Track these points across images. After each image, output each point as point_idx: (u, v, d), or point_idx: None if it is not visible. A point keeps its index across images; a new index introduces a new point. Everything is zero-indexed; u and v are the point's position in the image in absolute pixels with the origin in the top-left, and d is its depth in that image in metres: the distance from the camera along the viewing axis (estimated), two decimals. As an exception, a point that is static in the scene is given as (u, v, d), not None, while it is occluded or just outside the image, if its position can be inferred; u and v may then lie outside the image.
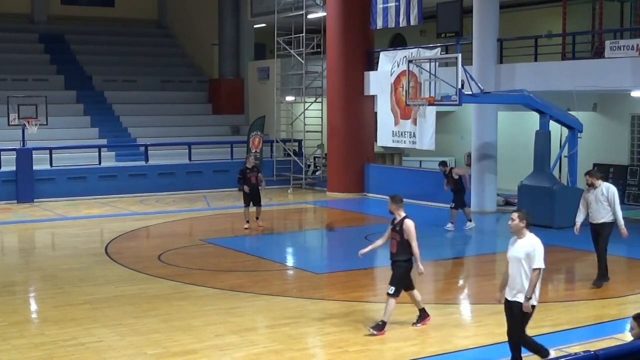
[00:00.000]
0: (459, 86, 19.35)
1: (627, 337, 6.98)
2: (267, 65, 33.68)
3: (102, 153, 28.22)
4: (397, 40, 34.20)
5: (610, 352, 5.95)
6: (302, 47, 29.50)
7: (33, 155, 26.55)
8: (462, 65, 19.44)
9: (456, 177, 20.04)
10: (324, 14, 28.36)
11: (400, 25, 24.98)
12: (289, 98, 31.68)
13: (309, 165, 31.41)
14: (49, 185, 26.44)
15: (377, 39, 28.64)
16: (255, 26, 35.20)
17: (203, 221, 22.37)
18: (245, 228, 20.20)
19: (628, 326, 7.00)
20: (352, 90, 27.17)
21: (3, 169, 26.40)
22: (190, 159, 29.30)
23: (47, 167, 27.09)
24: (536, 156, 20.87)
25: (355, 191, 27.19)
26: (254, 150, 29.33)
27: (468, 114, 24.91)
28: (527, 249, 9.11)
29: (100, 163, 27.88)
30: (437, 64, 20.97)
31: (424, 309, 11.43)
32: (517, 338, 9.28)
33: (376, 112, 26.89)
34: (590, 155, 24.12)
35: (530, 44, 23.16)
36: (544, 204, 20.05)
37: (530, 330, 11.09)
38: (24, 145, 26.62)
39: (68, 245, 18.94)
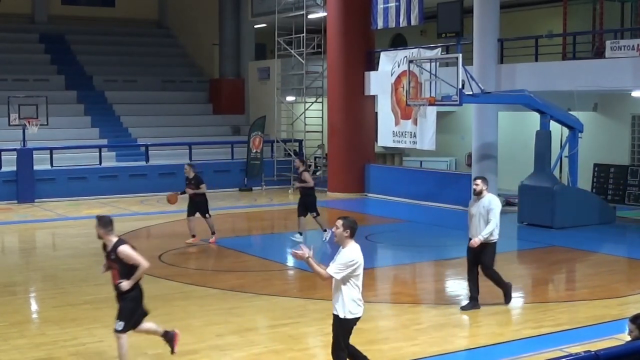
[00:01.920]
0: (460, 86, 19.35)
1: (628, 337, 6.97)
2: (267, 66, 33.68)
3: (102, 153, 28.22)
4: (398, 40, 34.21)
5: (611, 352, 5.94)
6: (303, 47, 29.50)
7: (34, 155, 26.55)
8: (463, 65, 19.44)
9: (305, 181, 18.28)
10: (325, 14, 28.37)
11: (401, 26, 24.99)
12: (290, 98, 31.68)
13: (310, 166, 31.42)
14: (49, 186, 26.43)
15: (377, 39, 28.65)
16: (255, 26, 35.21)
17: (203, 221, 22.30)
18: (187, 243, 18.21)
19: (627, 328, 6.99)
20: (352, 91, 27.17)
21: (4, 169, 26.41)
22: (190, 159, 29.26)
23: (48, 167, 27.09)
24: (537, 156, 20.86)
25: (355, 191, 27.19)
26: (254, 151, 29.37)
27: (468, 114, 24.91)
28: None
29: (100, 163, 27.89)
30: (437, 64, 20.97)
31: (165, 330, 10.04)
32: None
33: (377, 112, 26.90)
34: (591, 155, 24.12)
35: (530, 44, 23.17)
36: (545, 204, 20.05)
37: (530, 330, 11.12)
38: (24, 146, 26.62)
39: (69, 245, 18.95)
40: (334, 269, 8.37)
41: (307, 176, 18.31)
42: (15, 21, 36.42)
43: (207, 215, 18.17)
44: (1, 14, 35.88)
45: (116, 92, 33.49)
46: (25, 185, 26.14)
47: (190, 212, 18.15)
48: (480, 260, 12.26)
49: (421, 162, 29.62)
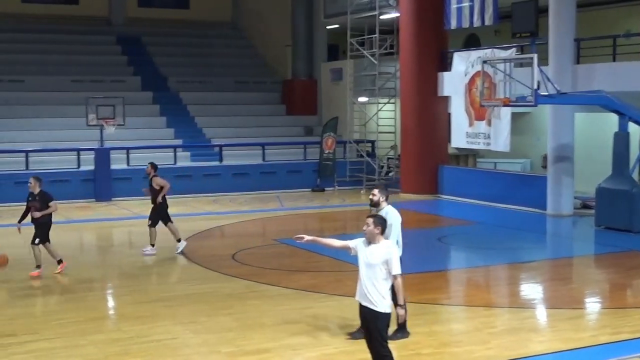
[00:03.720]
0: (535, 87, 19.08)
1: None
2: (340, 66, 33.69)
3: (177, 153, 28.62)
4: (471, 41, 33.86)
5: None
6: (375, 48, 29.43)
7: (111, 155, 27.06)
8: (538, 66, 19.16)
9: (157, 187, 17.60)
10: (397, 14, 28.24)
11: (475, 26, 24.74)
12: (362, 99, 31.64)
13: (382, 166, 31.32)
14: (126, 184, 26.87)
15: (451, 39, 28.41)
16: (328, 27, 35.24)
17: (276, 221, 22.46)
18: (33, 275, 14.96)
19: None
20: (425, 91, 26.99)
21: (82, 168, 26.96)
22: (263, 159, 29.50)
23: (125, 166, 27.57)
24: (615, 158, 20.42)
25: (428, 192, 27.01)
26: (327, 151, 29.41)
27: (544, 115, 24.52)
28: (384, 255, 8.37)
29: (175, 163, 28.26)
30: (512, 64, 20.72)
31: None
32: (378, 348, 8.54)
33: (450, 113, 26.67)
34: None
35: (608, 44, 22.70)
36: (623, 207, 19.62)
37: (608, 336, 10.89)
38: (102, 145, 27.14)
39: (144, 243, 19.20)
40: (398, 267, 8.43)
41: (159, 181, 17.64)
42: (93, 24, 37.15)
43: (36, 241, 14.80)
44: (80, 17, 36.70)
45: (191, 93, 33.90)
46: (102, 184, 26.67)
47: (35, 238, 14.92)
48: None
49: (495, 163, 29.29)
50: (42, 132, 28.80)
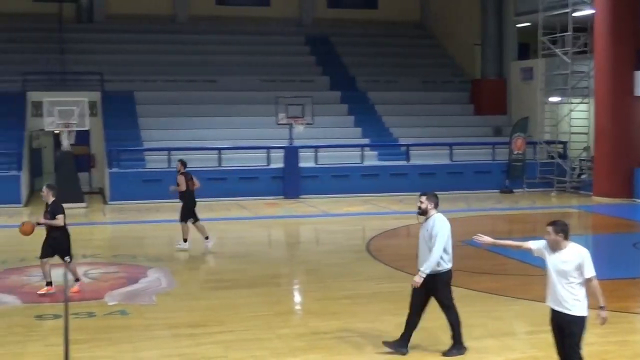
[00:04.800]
0: None
1: None
2: (530, 66, 32.89)
3: (364, 152, 28.84)
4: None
5: None
6: (568, 46, 28.56)
7: (299, 154, 27.61)
8: None
9: (180, 185, 17.62)
10: (592, 11, 27.24)
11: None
12: (554, 99, 30.73)
13: (574, 168, 30.32)
14: (314, 182, 27.38)
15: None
16: (518, 25, 34.47)
17: (463, 222, 22.16)
18: (40, 293, 13.51)
19: None
20: (621, 91, 25.90)
21: (272, 165, 27.68)
22: (451, 159, 29.23)
23: (313, 164, 28.07)
24: None
25: (622, 196, 25.90)
26: (516, 152, 28.78)
27: None
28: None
29: (362, 162, 28.49)
30: None
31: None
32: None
33: (647, 113, 25.48)
34: None
35: None
36: None
37: None
38: (291, 144, 27.74)
39: (330, 241, 19.49)
40: (592, 269, 8.11)
41: (180, 179, 17.58)
42: (284, 25, 38.06)
43: (66, 258, 13.33)
44: (271, 18, 37.71)
45: (378, 92, 34.07)
46: (291, 181, 27.28)
47: (45, 253, 13.47)
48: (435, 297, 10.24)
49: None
50: (234, 130, 29.79)
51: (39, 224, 13.44)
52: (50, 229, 13.35)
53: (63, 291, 13.58)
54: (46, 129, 27.76)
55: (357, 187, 27.63)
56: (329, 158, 28.66)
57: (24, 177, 27.17)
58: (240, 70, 34.08)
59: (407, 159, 29.17)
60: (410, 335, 10.15)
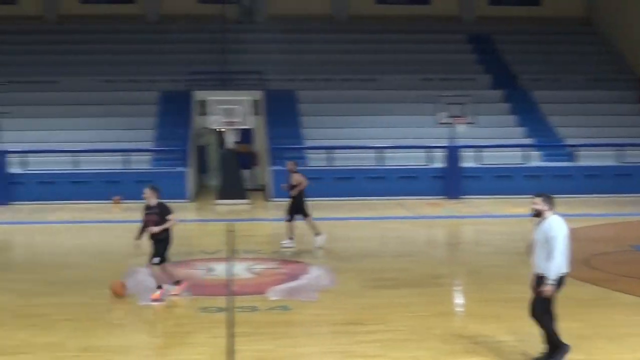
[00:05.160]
0: None
1: None
2: None
3: (528, 152, 28.17)
4: None
5: None
6: None
7: (461, 153, 27.27)
8: None
9: (295, 183, 17.97)
10: None
11: None
12: None
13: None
14: (475, 183, 26.97)
15: None
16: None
17: (631, 226, 21.27)
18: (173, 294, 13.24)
19: None
20: None
21: (432, 165, 27.48)
22: (620, 160, 28.13)
23: (474, 164, 27.68)
24: None
25: None
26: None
27: None
28: None
29: (526, 163, 27.84)
30: None
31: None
32: None
33: None
34: None
35: None
36: None
37: None
38: (452, 144, 27.42)
39: (491, 242, 19.11)
40: None
41: (297, 177, 17.93)
42: (444, 23, 37.70)
43: (154, 259, 12.90)
44: (431, 17, 37.48)
45: (542, 91, 33.18)
46: (452, 181, 27.03)
47: (154, 257, 12.95)
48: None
49: None
50: (394, 129, 29.74)
51: (153, 234, 12.64)
52: (157, 233, 12.70)
53: (227, 285, 13.97)
54: (211, 127, 28.60)
55: (520, 187, 26.95)
56: (491, 158, 28.17)
57: (190, 173, 28.07)
58: (400, 69, 34.01)
59: (573, 159, 28.25)
60: (559, 337, 9.67)
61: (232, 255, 16.96)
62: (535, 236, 9.73)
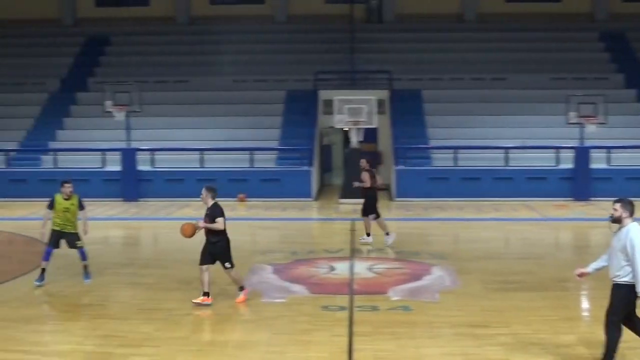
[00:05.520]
0: None
1: None
2: None
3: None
4: None
5: None
6: None
7: (591, 154, 26.59)
8: None
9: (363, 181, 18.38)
10: None
11: None
12: None
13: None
14: (605, 184, 26.30)
15: None
16: None
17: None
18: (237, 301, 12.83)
19: None
20: None
21: (561, 166, 26.86)
22: None
23: (605, 166, 27.03)
24: None
25: None
26: None
27: None
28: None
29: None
30: None
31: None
32: None
33: None
34: None
35: None
36: None
37: None
38: (582, 144, 26.71)
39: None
40: None
41: (365, 176, 18.15)
42: (576, 20, 36.76)
43: (226, 264, 12.63)
44: (562, 14, 36.57)
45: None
46: (581, 183, 26.70)
47: (204, 259, 12.60)
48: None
49: None
50: (521, 129, 29.18)
51: (199, 227, 12.44)
52: (209, 234, 12.44)
53: (348, 283, 13.99)
54: (336, 127, 28.73)
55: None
56: (622, 159, 27.28)
57: (315, 172, 28.29)
58: (530, 67, 33.35)
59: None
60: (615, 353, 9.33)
61: (353, 254, 16.98)
62: (613, 243, 9.38)
